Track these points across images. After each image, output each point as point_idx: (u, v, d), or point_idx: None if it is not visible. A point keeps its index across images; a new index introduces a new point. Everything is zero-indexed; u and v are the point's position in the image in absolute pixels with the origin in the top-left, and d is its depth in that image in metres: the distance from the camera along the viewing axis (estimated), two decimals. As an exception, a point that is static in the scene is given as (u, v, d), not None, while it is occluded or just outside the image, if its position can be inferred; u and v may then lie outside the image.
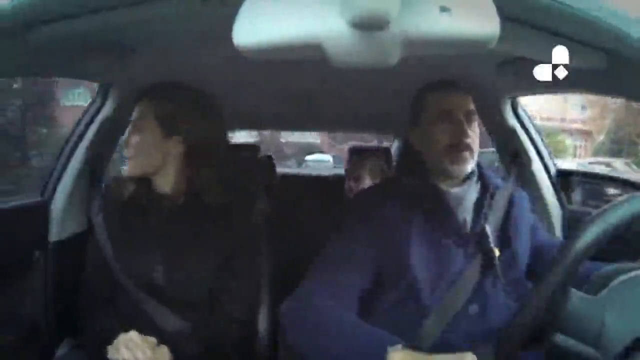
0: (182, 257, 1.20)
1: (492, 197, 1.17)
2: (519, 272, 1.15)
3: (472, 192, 1.17)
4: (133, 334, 1.10)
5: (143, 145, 1.20)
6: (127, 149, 1.22)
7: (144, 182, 1.25)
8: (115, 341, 1.10)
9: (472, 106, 1.17)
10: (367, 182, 2.06)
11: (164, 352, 1.11)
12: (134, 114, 1.23)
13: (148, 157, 1.21)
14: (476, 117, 1.17)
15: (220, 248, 1.22)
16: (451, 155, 1.14)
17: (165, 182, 1.24)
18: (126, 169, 1.22)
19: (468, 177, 1.18)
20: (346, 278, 1.09)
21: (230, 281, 1.22)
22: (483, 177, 1.20)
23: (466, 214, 1.15)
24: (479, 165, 1.22)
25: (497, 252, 1.11)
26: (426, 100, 1.18)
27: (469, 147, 1.14)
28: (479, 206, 1.16)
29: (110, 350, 1.10)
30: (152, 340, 1.11)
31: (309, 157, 19.27)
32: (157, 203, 1.24)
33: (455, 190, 1.15)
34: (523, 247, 1.17)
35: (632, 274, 0.81)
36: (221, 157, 1.25)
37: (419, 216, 1.12)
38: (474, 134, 1.16)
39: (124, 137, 1.24)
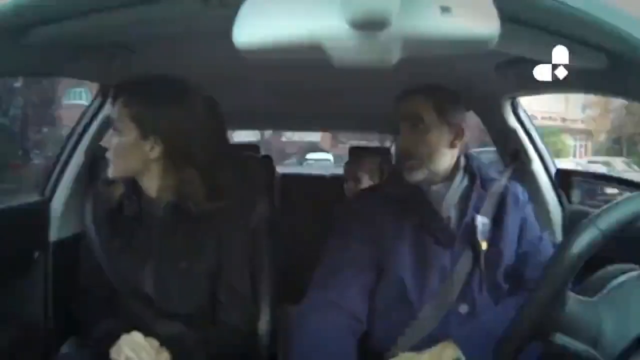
0: (171, 267, 1.15)
1: (485, 189, 1.17)
2: (501, 269, 1.14)
3: (456, 187, 1.16)
4: (136, 335, 1.08)
5: (121, 147, 1.14)
6: (109, 150, 1.16)
7: (132, 184, 1.19)
8: (118, 342, 1.08)
9: (418, 109, 1.15)
10: (366, 182, 2.04)
11: (166, 356, 1.09)
12: (113, 114, 1.16)
13: (127, 159, 1.14)
14: (424, 121, 1.14)
15: (211, 257, 1.17)
16: (401, 160, 1.17)
17: (151, 186, 1.17)
18: (110, 171, 1.16)
19: (452, 173, 1.17)
20: (354, 281, 1.09)
21: (226, 290, 1.18)
22: (472, 171, 1.19)
23: (450, 210, 1.15)
24: (469, 159, 1.21)
25: (484, 246, 1.10)
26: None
27: (407, 153, 1.15)
28: (465, 201, 1.15)
29: (113, 351, 1.08)
30: (155, 342, 1.09)
31: (309, 155, 19.27)
32: (145, 208, 1.19)
33: (435, 187, 1.15)
34: (507, 243, 1.14)
35: (631, 274, 0.81)
36: (211, 158, 1.17)
37: (407, 216, 1.13)
38: (419, 139, 1.14)
39: (106, 138, 1.20)
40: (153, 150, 1.13)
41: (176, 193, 1.16)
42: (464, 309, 1.09)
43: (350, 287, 1.09)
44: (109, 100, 1.48)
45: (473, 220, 1.12)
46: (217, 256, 1.17)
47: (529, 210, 1.22)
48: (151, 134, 1.12)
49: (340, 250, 1.14)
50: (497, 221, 1.15)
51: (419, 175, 1.14)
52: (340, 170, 2.47)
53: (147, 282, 1.16)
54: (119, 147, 1.14)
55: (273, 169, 2.53)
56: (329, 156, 18.57)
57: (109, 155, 1.16)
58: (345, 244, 1.14)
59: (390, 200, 1.16)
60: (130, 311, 1.17)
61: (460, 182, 1.18)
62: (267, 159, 2.55)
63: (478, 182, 1.17)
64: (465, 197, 1.16)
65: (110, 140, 1.16)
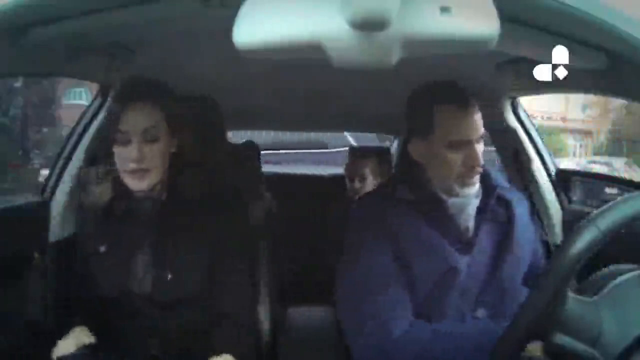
0: (166, 262, 1.14)
1: (497, 201, 1.16)
2: (518, 276, 1.14)
3: (473, 199, 1.14)
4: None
5: (160, 153, 1.10)
6: (138, 162, 1.08)
7: (119, 183, 1.15)
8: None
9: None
10: (371, 181, 2.04)
11: None
12: (141, 122, 1.08)
13: (164, 162, 1.12)
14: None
15: (208, 252, 1.16)
16: (463, 179, 1.11)
17: (146, 184, 1.12)
18: (146, 183, 1.10)
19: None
20: (398, 293, 1.07)
21: (221, 277, 1.16)
22: (486, 180, 1.17)
23: (468, 221, 1.12)
24: (483, 167, 1.19)
25: (501, 253, 1.11)
26: (435, 115, 1.10)
27: (479, 170, 1.11)
28: (482, 211, 1.14)
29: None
30: None
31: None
32: (135, 206, 1.16)
33: (454, 199, 1.12)
34: (523, 250, 1.15)
35: (631, 274, 0.81)
36: (211, 154, 1.26)
37: (423, 224, 1.11)
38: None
39: (122, 149, 1.09)
40: (172, 147, 1.14)
41: (170, 188, 1.16)
42: (481, 313, 1.09)
43: (402, 298, 1.07)
44: (109, 100, 1.50)
45: (490, 229, 1.13)
46: (213, 251, 1.16)
47: (534, 219, 1.24)
48: (178, 131, 1.13)
49: (371, 266, 1.09)
50: (510, 233, 1.14)
51: (476, 186, 1.12)
52: (339, 171, 2.46)
53: (142, 281, 1.14)
54: (159, 154, 1.10)
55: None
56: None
57: (134, 167, 1.08)
58: (375, 260, 1.09)
59: (406, 207, 1.13)
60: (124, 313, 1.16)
61: (476, 193, 1.15)
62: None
63: (494, 191, 1.16)
64: (481, 208, 1.14)
65: (141, 152, 1.08)
